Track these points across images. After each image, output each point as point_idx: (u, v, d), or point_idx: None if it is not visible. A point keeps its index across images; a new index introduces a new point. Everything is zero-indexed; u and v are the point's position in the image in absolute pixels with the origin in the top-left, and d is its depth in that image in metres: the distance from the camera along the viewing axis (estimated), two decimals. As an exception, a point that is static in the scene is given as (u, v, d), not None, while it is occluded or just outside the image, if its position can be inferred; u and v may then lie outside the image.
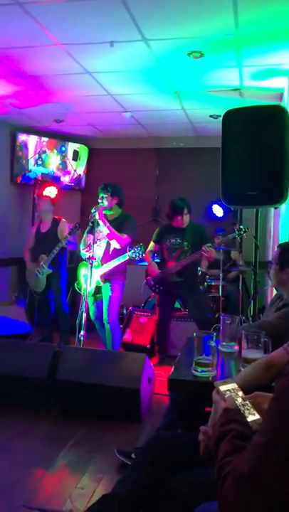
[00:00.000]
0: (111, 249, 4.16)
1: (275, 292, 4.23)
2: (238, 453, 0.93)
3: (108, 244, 4.16)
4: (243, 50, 3.52)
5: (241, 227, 4.26)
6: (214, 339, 1.81)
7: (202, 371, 1.78)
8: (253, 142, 3.08)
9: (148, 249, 4.64)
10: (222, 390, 1.24)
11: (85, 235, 4.24)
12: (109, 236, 4.08)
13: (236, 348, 2.14)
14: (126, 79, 4.22)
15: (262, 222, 4.04)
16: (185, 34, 3.29)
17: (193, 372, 1.80)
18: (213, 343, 1.77)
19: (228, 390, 1.24)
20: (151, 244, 4.64)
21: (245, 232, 4.21)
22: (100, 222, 4.05)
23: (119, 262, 4.11)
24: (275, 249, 2.25)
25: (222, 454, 0.96)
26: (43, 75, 4.22)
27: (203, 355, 1.79)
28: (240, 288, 5.49)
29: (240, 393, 1.26)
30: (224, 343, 2.13)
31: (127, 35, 3.30)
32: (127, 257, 4.06)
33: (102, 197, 4.11)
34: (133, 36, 3.32)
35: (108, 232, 4.08)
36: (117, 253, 4.12)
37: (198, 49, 3.54)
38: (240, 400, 1.22)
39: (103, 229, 4.12)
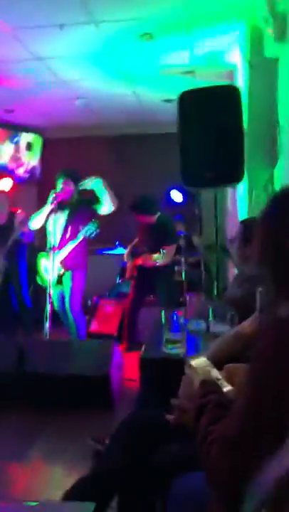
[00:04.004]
0: (67, 235, 4.13)
1: (236, 271, 4.32)
2: (220, 421, 0.95)
3: (65, 230, 4.13)
4: (194, 31, 3.53)
5: None
6: (183, 317, 1.82)
7: (172, 348, 1.79)
8: (208, 122, 3.09)
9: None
10: (194, 364, 1.25)
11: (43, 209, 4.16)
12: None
13: (203, 324, 2.16)
14: (77, 64, 4.14)
15: (221, 204, 4.11)
16: (134, 15, 3.26)
17: (164, 349, 1.80)
18: (182, 320, 1.78)
19: (200, 364, 1.25)
20: None
21: None
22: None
23: (75, 244, 4.08)
24: (238, 226, 2.28)
25: (204, 424, 0.98)
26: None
27: (172, 332, 1.80)
28: (202, 270, 5.56)
29: (212, 366, 1.27)
30: (191, 320, 2.14)
31: (76, 17, 3.23)
32: (82, 236, 4.03)
33: (64, 182, 4.09)
34: (82, 18, 3.26)
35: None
36: (73, 238, 4.11)
37: (148, 31, 3.51)
38: (212, 373, 1.24)
39: (61, 216, 4.10)
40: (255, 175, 3.28)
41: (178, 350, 1.79)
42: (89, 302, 5.52)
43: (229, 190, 4.86)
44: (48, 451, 2.79)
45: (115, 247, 5.90)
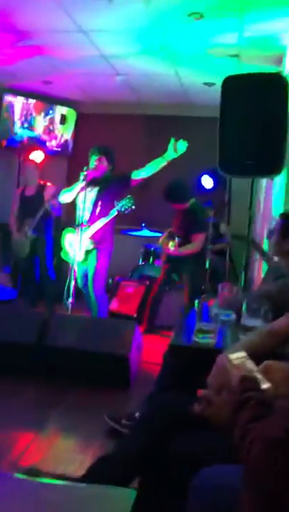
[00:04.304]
0: (97, 211, 4.11)
1: (263, 264, 4.26)
2: (260, 419, 0.93)
3: (94, 206, 4.12)
4: (245, 13, 3.41)
5: None
6: (216, 307, 1.80)
7: (203, 338, 1.77)
8: (252, 110, 3.02)
9: None
10: (233, 359, 1.23)
11: (75, 186, 4.15)
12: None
13: (233, 316, 2.14)
14: (121, 40, 4.07)
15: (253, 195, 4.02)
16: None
17: (194, 338, 1.79)
18: (215, 311, 1.76)
19: (239, 359, 1.24)
20: None
21: None
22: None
23: (108, 220, 4.07)
24: (277, 219, 2.23)
25: (244, 421, 0.97)
26: (34, 31, 4.03)
27: (204, 322, 1.79)
28: (227, 260, 5.51)
29: (250, 362, 1.25)
30: (222, 311, 2.12)
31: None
32: (116, 212, 4.01)
33: (98, 158, 4.05)
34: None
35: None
36: (104, 213, 4.08)
37: (199, 10, 3.42)
38: (250, 368, 1.22)
39: (91, 193, 4.07)
40: (296, 169, 3.20)
41: (209, 340, 1.77)
42: (110, 281, 5.54)
43: (264, 182, 4.78)
44: (64, 424, 2.83)
45: (140, 229, 5.87)
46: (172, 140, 3.93)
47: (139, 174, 4.08)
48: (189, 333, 1.84)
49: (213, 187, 5.94)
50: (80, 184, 4.01)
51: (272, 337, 1.60)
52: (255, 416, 0.98)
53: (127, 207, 3.98)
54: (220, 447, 1.47)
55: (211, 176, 5.84)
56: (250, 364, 1.22)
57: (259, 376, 1.20)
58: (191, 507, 1.29)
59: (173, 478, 1.47)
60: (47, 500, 0.80)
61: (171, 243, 4.46)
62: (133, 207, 3.98)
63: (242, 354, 1.26)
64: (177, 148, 3.90)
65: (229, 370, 1.20)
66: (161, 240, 4.76)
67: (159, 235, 5.75)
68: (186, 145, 3.91)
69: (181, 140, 3.93)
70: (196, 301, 1.80)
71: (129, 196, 4.00)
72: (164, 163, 3.99)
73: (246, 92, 3.05)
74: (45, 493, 0.82)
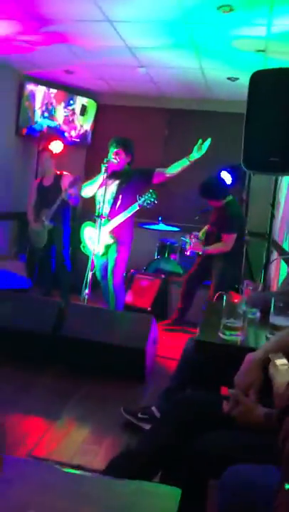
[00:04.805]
0: (117, 204, 4.08)
1: (282, 263, 4.21)
2: None
3: (115, 200, 4.08)
4: (275, 6, 3.35)
5: None
6: (243, 303, 1.77)
7: (230, 335, 1.75)
8: (280, 106, 2.96)
9: None
10: (278, 364, 1.22)
11: (96, 179, 4.12)
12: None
13: (258, 314, 2.11)
14: (147, 31, 4.01)
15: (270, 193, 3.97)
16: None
17: (221, 335, 1.77)
18: (243, 308, 1.73)
19: (283, 366, 1.23)
20: None
21: None
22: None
23: (130, 214, 4.05)
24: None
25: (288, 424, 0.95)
26: (58, 19, 3.99)
27: (231, 319, 1.76)
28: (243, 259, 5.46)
29: None
30: (248, 309, 2.09)
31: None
32: (138, 207, 3.98)
33: (116, 152, 4.02)
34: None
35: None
36: (124, 207, 4.04)
37: (228, 2, 3.36)
38: None
39: (111, 186, 4.04)
40: None
41: (236, 337, 1.74)
42: (124, 274, 5.52)
43: (285, 181, 4.72)
44: (78, 415, 2.83)
45: (157, 223, 5.84)
46: (199, 141, 3.89)
47: (162, 172, 4.05)
48: (215, 330, 1.81)
49: (232, 183, 5.88)
50: (102, 176, 3.99)
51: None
52: None
53: (149, 201, 3.95)
54: (243, 446, 1.45)
55: (229, 173, 5.79)
56: None
57: None
58: (218, 505, 1.28)
59: (194, 475, 1.46)
60: (89, 494, 0.78)
61: (188, 242, 4.43)
62: (155, 201, 3.95)
63: (285, 361, 1.25)
64: (202, 148, 3.86)
65: (273, 375, 1.19)
66: (200, 233, 4.72)
67: (176, 229, 5.74)
68: (209, 142, 3.87)
69: (207, 139, 3.90)
70: (224, 297, 1.77)
71: (151, 190, 3.98)
72: (187, 164, 3.95)
73: (275, 87, 2.99)
74: (86, 487, 0.80)
